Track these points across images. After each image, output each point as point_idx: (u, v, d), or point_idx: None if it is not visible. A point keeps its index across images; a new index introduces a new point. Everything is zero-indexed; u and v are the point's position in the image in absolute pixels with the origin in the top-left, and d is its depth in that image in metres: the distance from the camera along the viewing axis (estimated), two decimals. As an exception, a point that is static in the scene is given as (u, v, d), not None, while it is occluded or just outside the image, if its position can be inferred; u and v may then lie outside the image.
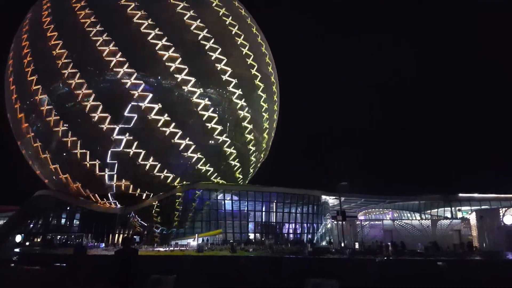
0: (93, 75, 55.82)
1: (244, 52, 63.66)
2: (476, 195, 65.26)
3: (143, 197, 58.20)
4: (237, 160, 63.82)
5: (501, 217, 44.76)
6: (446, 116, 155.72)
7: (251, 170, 72.83)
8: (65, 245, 56.39)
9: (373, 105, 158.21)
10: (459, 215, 65.45)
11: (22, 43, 62.21)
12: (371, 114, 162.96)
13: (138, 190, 58.11)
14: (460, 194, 65.39)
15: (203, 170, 59.62)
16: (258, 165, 74.39)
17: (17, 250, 43.84)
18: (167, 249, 40.01)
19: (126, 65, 55.05)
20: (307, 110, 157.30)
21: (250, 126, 64.11)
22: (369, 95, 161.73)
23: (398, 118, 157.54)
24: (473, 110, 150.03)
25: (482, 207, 61.58)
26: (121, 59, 55.13)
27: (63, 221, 61.85)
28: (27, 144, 62.16)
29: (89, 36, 55.83)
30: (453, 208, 66.81)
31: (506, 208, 46.44)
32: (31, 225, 60.91)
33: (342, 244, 43.07)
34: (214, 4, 63.97)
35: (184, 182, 57.56)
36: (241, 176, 68.54)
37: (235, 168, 64.96)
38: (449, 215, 65.08)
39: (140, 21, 56.80)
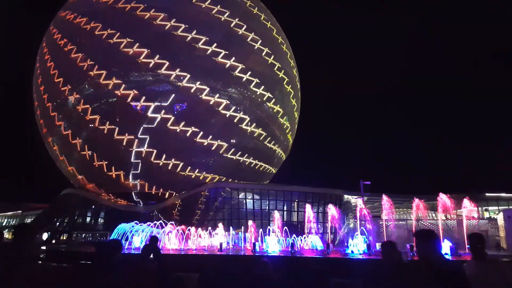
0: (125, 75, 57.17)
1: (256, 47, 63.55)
2: (503, 194, 63.36)
3: (166, 196, 59.18)
4: (258, 159, 63.89)
5: (530, 217, 43.47)
6: (472, 113, 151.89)
7: (274, 169, 72.97)
8: (90, 243, 57.74)
9: (397, 103, 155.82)
10: (486, 215, 63.70)
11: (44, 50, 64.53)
12: (394, 112, 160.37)
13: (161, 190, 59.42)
14: (487, 194, 63.60)
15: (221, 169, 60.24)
16: (280, 163, 74.31)
17: (43, 247, 45.00)
18: (189, 247, 40.29)
19: (151, 64, 56.14)
20: (329, 106, 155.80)
21: (270, 123, 64.36)
22: (391, 92, 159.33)
23: (422, 116, 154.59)
24: (501, 107, 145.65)
25: (510, 206, 59.82)
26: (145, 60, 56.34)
27: (88, 219, 63.16)
28: (60, 140, 63.22)
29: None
30: (479, 207, 65.02)
31: (535, 208, 45.10)
32: (57, 223, 62.43)
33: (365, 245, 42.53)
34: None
35: (208, 180, 58.31)
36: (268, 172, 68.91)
37: (257, 167, 65.03)
38: (475, 215, 63.37)
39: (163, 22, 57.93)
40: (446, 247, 35.76)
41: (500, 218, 48.15)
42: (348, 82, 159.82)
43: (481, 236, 6.18)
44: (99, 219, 62.60)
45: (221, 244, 36.27)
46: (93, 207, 62.49)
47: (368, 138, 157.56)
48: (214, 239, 42.48)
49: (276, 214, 48.57)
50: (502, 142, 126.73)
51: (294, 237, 38.68)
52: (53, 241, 57.89)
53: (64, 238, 59.67)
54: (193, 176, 58.59)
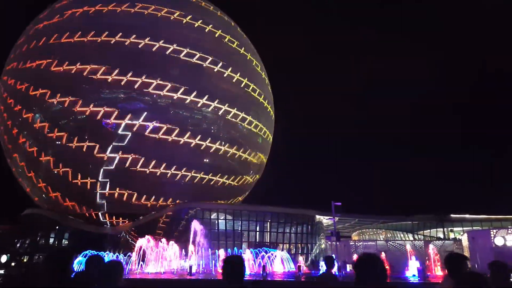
0: (87, 93, 55.79)
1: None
2: (467, 216, 65.62)
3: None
4: (231, 178, 63.65)
5: (492, 238, 45.19)
6: (439, 136, 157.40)
7: (246, 189, 72.76)
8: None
9: (367, 124, 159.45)
10: (451, 235, 65.63)
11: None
12: (365, 134, 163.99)
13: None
14: (452, 215, 65.69)
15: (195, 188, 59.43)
16: (253, 183, 74.11)
17: (1, 271, 42.49)
18: (158, 271, 39.33)
19: (123, 82, 55.40)
20: (300, 129, 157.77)
21: (244, 143, 64.64)
22: (363, 113, 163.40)
23: (390, 138, 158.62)
24: (464, 130, 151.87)
25: (474, 228, 61.90)
26: (116, 77, 55.40)
27: (51, 240, 60.56)
28: (15, 163, 61.47)
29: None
30: (445, 228, 66.99)
31: (496, 230, 46.95)
32: (18, 245, 59.55)
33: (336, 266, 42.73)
34: (210, 26, 64.75)
35: (178, 201, 57.28)
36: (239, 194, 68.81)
37: (230, 187, 64.69)
38: (441, 236, 65.16)
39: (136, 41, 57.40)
40: (413, 268, 36.26)
41: (464, 239, 49.70)
42: (322, 101, 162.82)
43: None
44: (63, 240, 60.12)
45: (190, 267, 35.57)
46: (57, 227, 60.06)
47: (339, 159, 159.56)
48: (184, 262, 41.69)
49: (248, 234, 48.42)
50: (467, 165, 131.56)
51: (266, 259, 38.46)
52: (13, 264, 55.11)
53: (25, 260, 56.89)
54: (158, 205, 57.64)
